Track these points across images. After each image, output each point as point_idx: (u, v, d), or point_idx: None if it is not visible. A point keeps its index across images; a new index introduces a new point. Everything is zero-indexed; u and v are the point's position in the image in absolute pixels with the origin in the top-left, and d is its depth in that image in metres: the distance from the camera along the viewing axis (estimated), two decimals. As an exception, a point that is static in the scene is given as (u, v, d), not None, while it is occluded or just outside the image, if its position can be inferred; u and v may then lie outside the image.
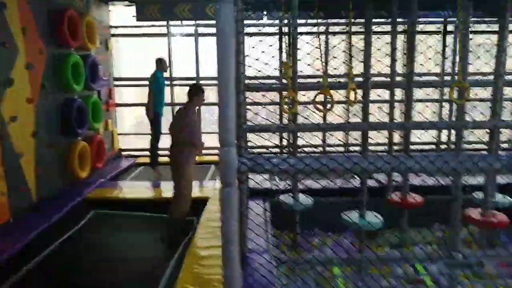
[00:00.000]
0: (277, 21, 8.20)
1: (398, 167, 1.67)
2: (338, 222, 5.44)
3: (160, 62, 6.92)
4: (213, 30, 8.38)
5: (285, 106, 3.61)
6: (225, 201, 1.67)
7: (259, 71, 3.66)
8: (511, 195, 5.20)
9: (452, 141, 8.18)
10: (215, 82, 8.95)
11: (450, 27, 8.27)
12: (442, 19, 8.04)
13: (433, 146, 8.52)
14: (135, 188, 6.13)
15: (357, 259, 4.23)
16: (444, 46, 7.57)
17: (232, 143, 1.63)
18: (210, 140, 9.01)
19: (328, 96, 3.20)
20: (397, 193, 5.13)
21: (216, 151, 9.01)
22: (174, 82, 8.49)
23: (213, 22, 8.13)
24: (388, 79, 5.00)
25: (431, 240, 5.47)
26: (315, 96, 3.24)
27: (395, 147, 6.63)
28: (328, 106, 3.17)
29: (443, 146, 8.44)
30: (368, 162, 1.67)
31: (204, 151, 8.72)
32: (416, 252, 4.71)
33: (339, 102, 6.60)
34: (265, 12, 6.33)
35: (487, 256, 3.72)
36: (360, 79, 4.11)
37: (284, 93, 3.63)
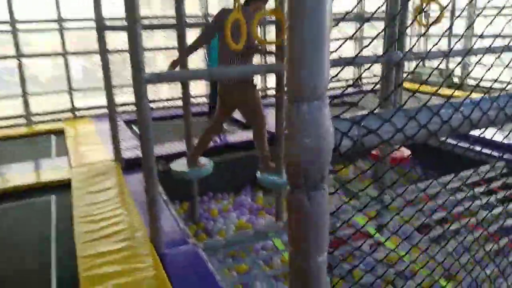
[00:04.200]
0: None
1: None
2: (235, 181, 4.80)
3: None
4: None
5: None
6: (310, 216, 0.71)
7: None
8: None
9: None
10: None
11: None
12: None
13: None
14: None
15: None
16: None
17: (324, 94, 0.66)
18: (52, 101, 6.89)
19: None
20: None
21: (53, 117, 6.67)
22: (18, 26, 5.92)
23: None
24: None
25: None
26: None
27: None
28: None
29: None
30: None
31: (36, 119, 6.40)
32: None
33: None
34: None
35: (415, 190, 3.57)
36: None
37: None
